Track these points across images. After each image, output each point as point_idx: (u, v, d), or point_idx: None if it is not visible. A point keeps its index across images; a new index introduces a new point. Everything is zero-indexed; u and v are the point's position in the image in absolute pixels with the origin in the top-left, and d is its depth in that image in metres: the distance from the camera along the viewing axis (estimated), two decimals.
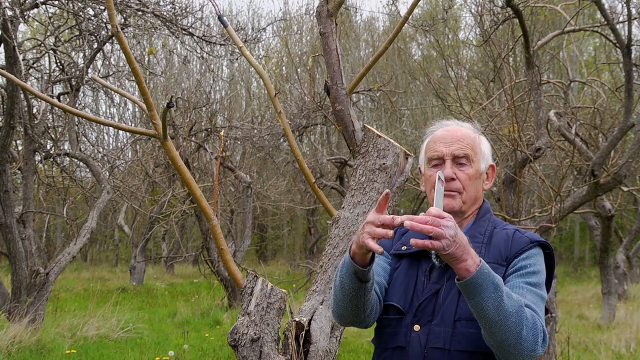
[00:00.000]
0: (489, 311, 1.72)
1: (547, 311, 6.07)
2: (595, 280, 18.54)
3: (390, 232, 1.73)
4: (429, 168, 2.06)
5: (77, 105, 9.91)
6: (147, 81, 15.29)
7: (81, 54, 9.02)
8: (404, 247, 2.08)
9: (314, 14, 4.13)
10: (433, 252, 1.98)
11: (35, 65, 9.80)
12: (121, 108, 19.22)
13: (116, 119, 18.94)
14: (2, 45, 7.68)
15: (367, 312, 1.97)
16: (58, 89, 11.35)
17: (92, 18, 8.27)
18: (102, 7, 8.15)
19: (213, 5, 4.02)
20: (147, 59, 13.96)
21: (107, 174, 11.70)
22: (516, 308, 1.73)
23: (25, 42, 11.82)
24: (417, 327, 1.95)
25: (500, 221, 2.11)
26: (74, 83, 9.18)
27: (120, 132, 19.49)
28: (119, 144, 19.09)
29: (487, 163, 2.10)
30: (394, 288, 2.05)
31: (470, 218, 2.07)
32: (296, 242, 26.14)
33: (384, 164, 3.47)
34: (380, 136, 3.52)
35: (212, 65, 15.06)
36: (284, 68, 21.17)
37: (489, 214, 2.10)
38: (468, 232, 2.01)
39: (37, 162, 10.52)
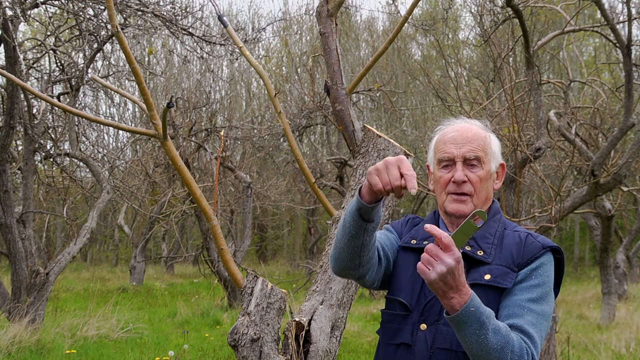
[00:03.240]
0: (471, 345, 1.73)
1: None
2: (595, 280, 18.55)
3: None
4: (439, 169, 2.03)
5: (77, 105, 9.91)
6: (147, 81, 15.30)
7: (81, 54, 9.03)
8: (413, 241, 2.07)
9: (314, 14, 4.13)
10: None
11: (35, 65, 9.80)
12: (121, 108, 19.21)
13: (116, 119, 18.93)
14: (2, 45, 7.68)
15: (364, 259, 1.93)
16: (58, 89, 11.36)
17: (92, 18, 8.27)
18: (102, 7, 8.15)
19: (213, 5, 4.02)
20: (147, 59, 13.97)
21: (107, 174, 11.70)
22: (501, 344, 1.73)
23: (25, 42, 11.82)
24: (423, 326, 1.94)
25: (509, 222, 2.08)
26: (74, 83, 9.18)
27: (120, 132, 19.51)
28: (119, 144, 19.11)
29: (497, 162, 2.07)
30: (401, 283, 2.04)
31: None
32: (296, 242, 26.14)
33: None
34: (380, 136, 3.52)
35: (212, 65, 15.06)
36: (284, 68, 21.18)
37: (499, 214, 2.07)
38: (478, 232, 1.99)
39: (37, 162, 10.52)
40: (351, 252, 1.91)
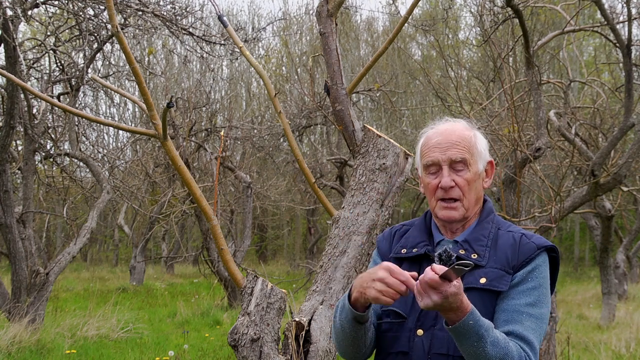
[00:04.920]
0: (470, 356, 1.76)
1: None
2: (595, 280, 18.53)
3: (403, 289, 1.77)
4: (426, 175, 2.03)
5: (77, 105, 9.92)
6: (147, 81, 15.28)
7: (81, 54, 9.02)
8: (403, 250, 2.06)
9: (314, 14, 4.13)
10: (435, 255, 1.96)
11: (35, 65, 9.80)
12: (121, 108, 19.22)
13: (116, 119, 18.93)
14: (2, 45, 7.68)
15: (368, 344, 2.01)
16: (58, 89, 11.35)
17: (92, 18, 8.27)
18: (102, 7, 8.15)
19: (213, 5, 4.03)
20: (147, 59, 13.97)
21: (107, 174, 11.70)
22: (501, 356, 1.75)
23: (25, 42, 11.82)
24: (420, 332, 1.94)
25: (504, 221, 2.07)
26: (74, 83, 9.18)
27: (120, 132, 19.50)
28: (119, 144, 19.10)
29: (484, 161, 2.05)
30: None
31: (473, 219, 2.03)
32: (296, 242, 26.13)
33: (384, 164, 3.47)
34: (380, 136, 3.51)
35: (212, 65, 15.06)
36: (284, 68, 21.18)
37: (492, 214, 2.05)
38: (471, 235, 1.99)
39: (37, 162, 10.51)
40: (356, 348, 2.00)
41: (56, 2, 8.39)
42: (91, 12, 8.30)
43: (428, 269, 1.71)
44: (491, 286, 1.89)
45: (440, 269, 1.69)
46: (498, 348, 1.74)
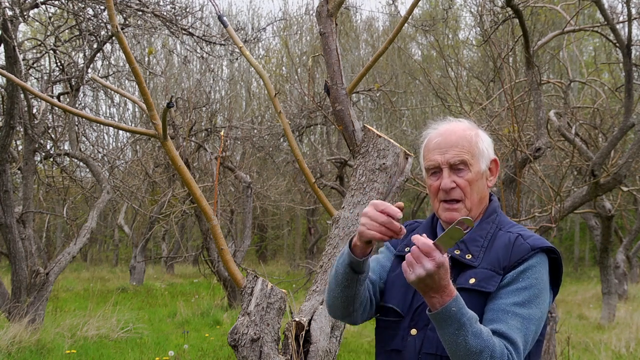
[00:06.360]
0: (450, 344, 1.76)
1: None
2: (595, 280, 18.54)
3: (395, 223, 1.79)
4: (428, 177, 2.03)
5: (77, 105, 9.91)
6: (147, 81, 15.29)
7: (81, 54, 9.02)
8: (407, 249, 2.06)
9: (314, 14, 4.13)
10: None
11: (35, 65, 9.80)
12: (121, 108, 19.20)
13: (116, 119, 18.91)
14: (2, 45, 7.68)
15: (357, 306, 1.99)
16: (58, 89, 11.35)
17: (92, 18, 8.27)
18: (102, 7, 8.15)
19: (213, 5, 4.03)
20: (147, 59, 13.97)
21: (107, 174, 11.70)
22: (480, 348, 1.73)
23: (25, 42, 11.82)
24: (414, 331, 1.95)
25: (508, 221, 2.04)
26: (74, 83, 9.18)
27: (120, 132, 19.50)
28: (119, 144, 19.10)
29: (487, 161, 2.03)
30: (394, 290, 2.04)
31: (477, 219, 2.02)
32: (296, 242, 26.13)
33: (384, 164, 3.47)
34: (380, 136, 3.51)
35: (212, 65, 15.06)
36: (284, 68, 21.18)
37: (495, 214, 2.03)
38: (470, 235, 1.98)
39: (37, 162, 10.51)
40: (345, 301, 1.98)
41: (56, 2, 8.39)
42: (91, 12, 8.30)
43: (418, 236, 1.73)
44: (479, 287, 1.88)
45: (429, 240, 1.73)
46: (479, 340, 1.73)
